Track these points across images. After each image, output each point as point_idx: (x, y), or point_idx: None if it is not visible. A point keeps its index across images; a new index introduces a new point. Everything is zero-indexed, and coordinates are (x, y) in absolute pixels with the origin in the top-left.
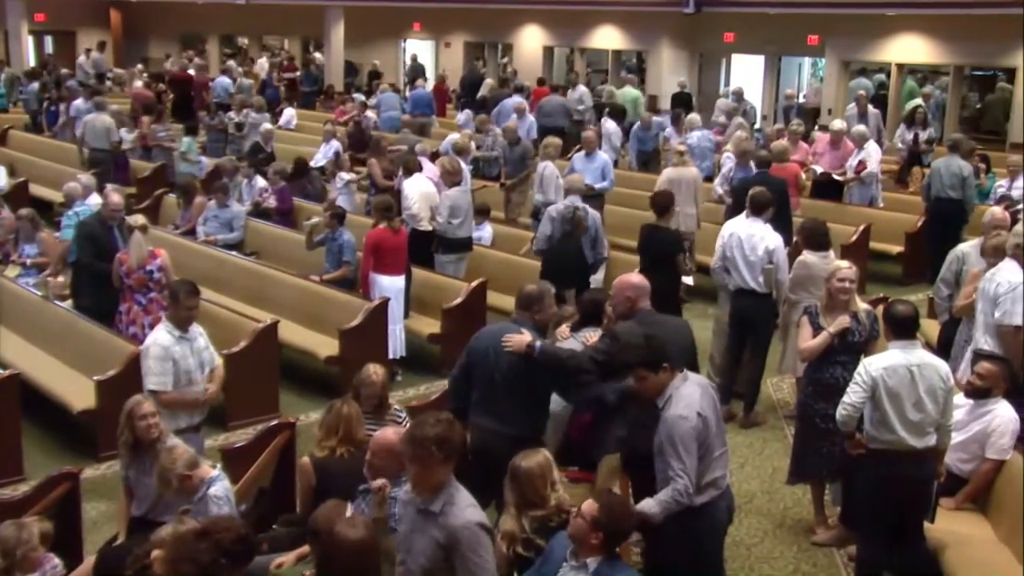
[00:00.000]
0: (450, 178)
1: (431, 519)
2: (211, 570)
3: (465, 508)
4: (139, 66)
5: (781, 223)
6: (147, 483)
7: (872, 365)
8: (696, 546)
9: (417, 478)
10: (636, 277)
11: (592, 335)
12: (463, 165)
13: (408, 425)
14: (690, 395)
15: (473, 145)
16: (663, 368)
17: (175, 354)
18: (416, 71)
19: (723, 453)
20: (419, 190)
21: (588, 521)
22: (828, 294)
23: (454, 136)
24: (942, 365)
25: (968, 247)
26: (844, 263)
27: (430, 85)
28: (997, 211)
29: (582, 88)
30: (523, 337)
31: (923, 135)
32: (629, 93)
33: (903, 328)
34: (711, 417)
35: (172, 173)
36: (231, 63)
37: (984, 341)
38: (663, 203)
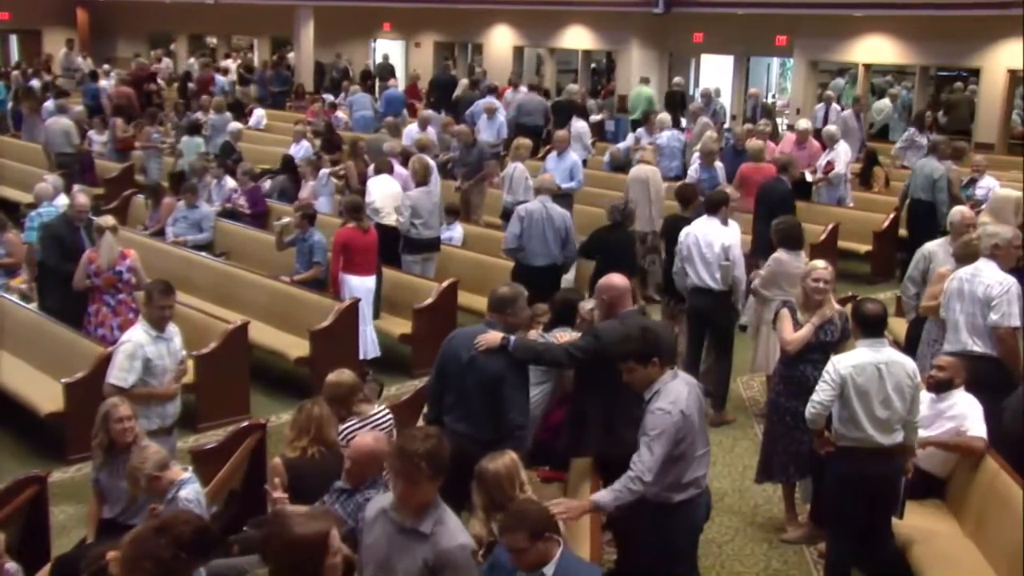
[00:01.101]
0: (417, 178)
1: (418, 539)
2: (171, 565)
3: (457, 531)
4: (106, 66)
5: None
6: (120, 486)
7: (840, 363)
8: (672, 544)
9: (404, 495)
10: (618, 278)
11: (563, 335)
12: (431, 163)
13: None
14: (677, 392)
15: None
16: (652, 362)
17: (150, 354)
18: (385, 71)
19: (705, 452)
20: (383, 186)
21: (506, 538)
22: (804, 293)
23: (413, 128)
24: (909, 362)
25: (935, 245)
26: (821, 263)
27: (402, 85)
28: (966, 211)
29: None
30: (495, 334)
31: (932, 138)
32: (644, 92)
33: (872, 326)
34: (695, 416)
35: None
36: (228, 62)
37: (972, 343)
38: (686, 195)
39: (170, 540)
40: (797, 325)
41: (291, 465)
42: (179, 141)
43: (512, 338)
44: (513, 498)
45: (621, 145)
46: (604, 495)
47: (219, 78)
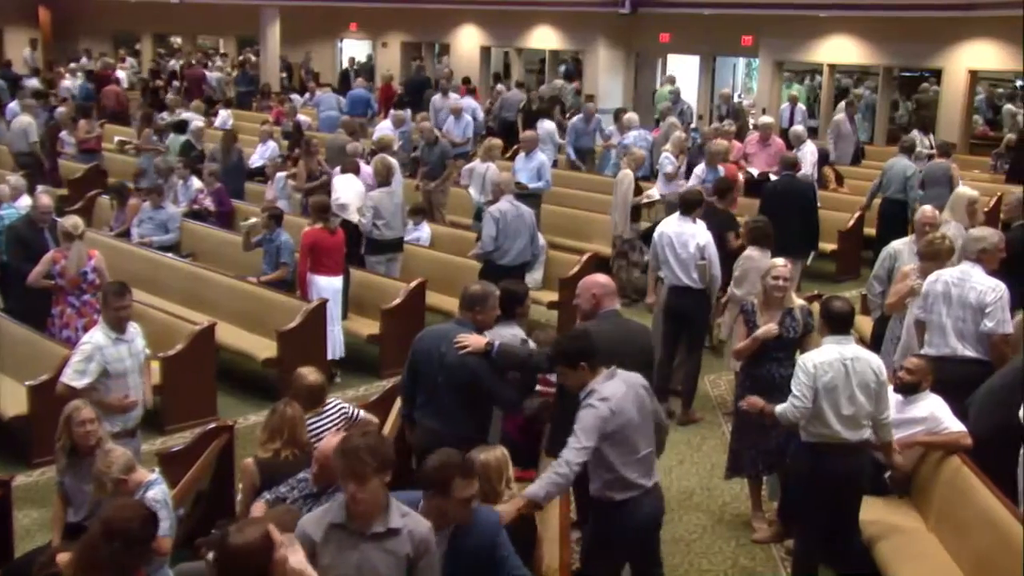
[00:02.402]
0: (379, 178)
1: (391, 537)
2: (124, 561)
3: (418, 515)
4: (72, 64)
5: (807, 228)
6: (84, 489)
7: (809, 361)
8: (615, 542)
9: (357, 498)
10: (602, 277)
11: (503, 330)
12: (394, 163)
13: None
14: (612, 390)
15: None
16: (580, 366)
17: (108, 356)
18: (364, 70)
19: (648, 453)
20: (350, 184)
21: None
22: (764, 291)
23: (384, 125)
24: (874, 359)
25: (900, 244)
26: (780, 260)
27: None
28: (928, 210)
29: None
30: (479, 337)
31: (928, 140)
32: (667, 91)
33: (839, 324)
34: (631, 414)
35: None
36: (218, 60)
37: (962, 347)
38: (722, 187)
39: (121, 542)
40: (753, 327)
41: (264, 466)
42: (164, 140)
43: (496, 344)
44: (499, 491)
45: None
46: (533, 487)
47: (210, 75)
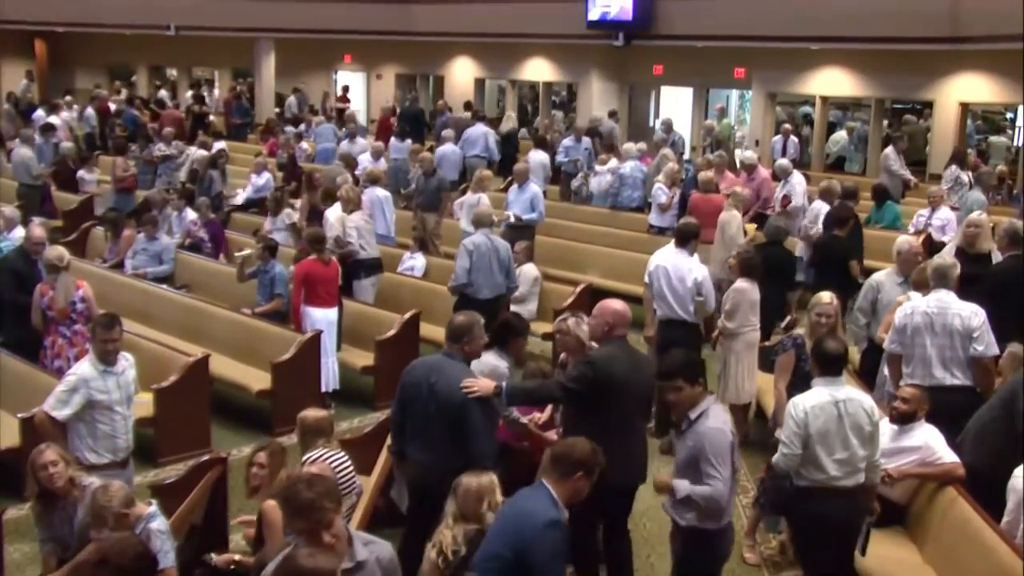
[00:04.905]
0: (345, 205)
1: (358, 572)
2: None
3: (379, 541)
4: (67, 97)
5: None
6: (64, 530)
7: (799, 407)
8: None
9: (332, 545)
10: (619, 304)
11: (491, 358)
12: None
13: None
14: (724, 414)
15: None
16: (699, 382)
17: (96, 388)
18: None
19: (736, 482)
20: (339, 215)
21: None
22: (811, 326)
23: (365, 158)
24: (866, 400)
25: (883, 276)
26: (826, 296)
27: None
28: (913, 240)
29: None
30: (487, 382)
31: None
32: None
33: (829, 365)
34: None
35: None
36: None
37: (950, 376)
38: (842, 216)
39: (112, 570)
40: (803, 362)
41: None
42: (159, 171)
43: (504, 386)
44: (479, 514)
45: None
46: (683, 483)
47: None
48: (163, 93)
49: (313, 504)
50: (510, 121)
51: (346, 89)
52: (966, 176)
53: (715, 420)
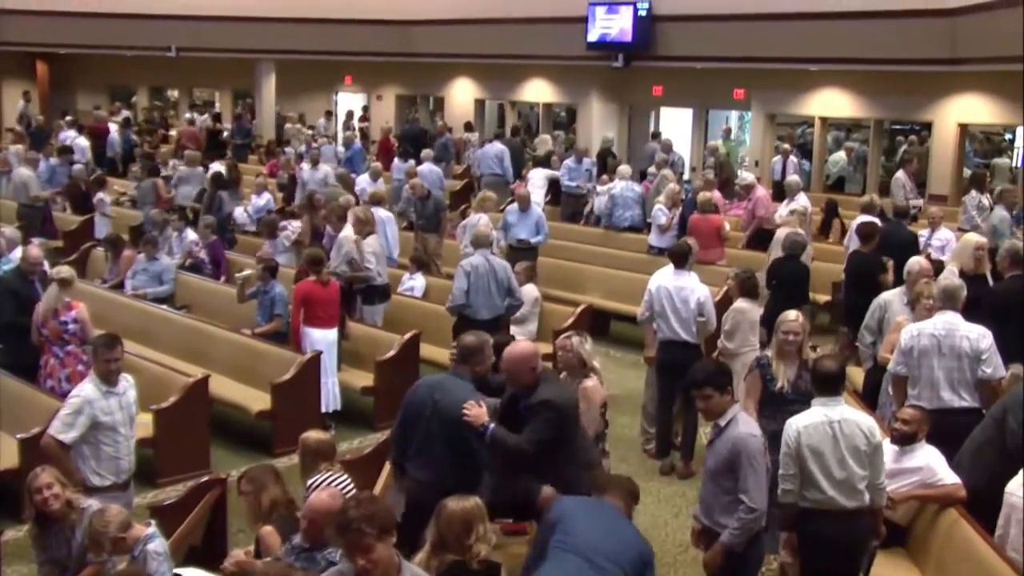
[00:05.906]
0: (362, 227)
1: None
2: None
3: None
4: (69, 117)
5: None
6: (61, 554)
7: (792, 427)
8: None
9: (369, 571)
10: (525, 343)
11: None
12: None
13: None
14: (752, 420)
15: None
16: (728, 390)
17: (99, 409)
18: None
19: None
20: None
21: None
22: (777, 345)
23: (365, 180)
24: (864, 420)
25: (891, 295)
26: (792, 314)
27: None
28: (923, 260)
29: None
30: (481, 412)
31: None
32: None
33: (826, 385)
34: None
35: None
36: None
37: (958, 398)
38: (867, 232)
39: None
40: (769, 381)
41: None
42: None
43: (490, 429)
44: (464, 544)
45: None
46: (727, 536)
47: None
48: (188, 115)
49: (351, 524)
50: (546, 144)
51: (365, 109)
52: (986, 200)
53: (745, 426)
